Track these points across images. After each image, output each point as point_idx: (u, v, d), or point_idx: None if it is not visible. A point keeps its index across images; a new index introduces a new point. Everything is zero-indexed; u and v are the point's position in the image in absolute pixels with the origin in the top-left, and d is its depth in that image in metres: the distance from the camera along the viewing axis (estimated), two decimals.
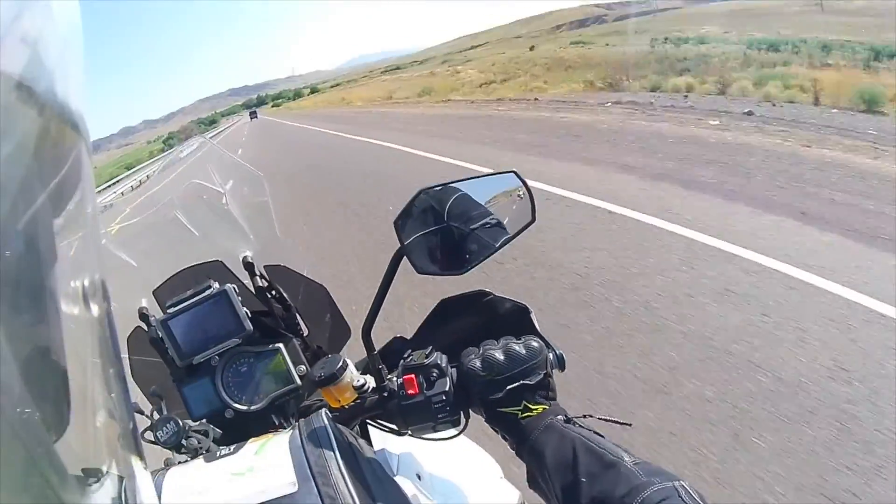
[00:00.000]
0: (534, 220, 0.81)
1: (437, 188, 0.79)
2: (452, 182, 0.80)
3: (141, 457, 0.46)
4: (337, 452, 0.64)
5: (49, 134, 0.33)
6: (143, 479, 0.45)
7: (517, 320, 0.84)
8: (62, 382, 0.33)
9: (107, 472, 0.39)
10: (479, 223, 0.80)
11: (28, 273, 0.30)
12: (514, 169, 0.81)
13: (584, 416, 0.72)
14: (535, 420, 0.71)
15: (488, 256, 0.79)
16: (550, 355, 0.77)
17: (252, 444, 0.70)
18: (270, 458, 0.65)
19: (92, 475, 0.37)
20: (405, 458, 0.89)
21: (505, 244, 0.80)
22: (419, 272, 0.78)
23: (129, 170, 35.34)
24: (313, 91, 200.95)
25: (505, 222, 0.81)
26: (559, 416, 0.71)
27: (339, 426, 0.72)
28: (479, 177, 0.82)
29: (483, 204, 0.81)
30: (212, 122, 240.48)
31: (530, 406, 0.72)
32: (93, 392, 0.39)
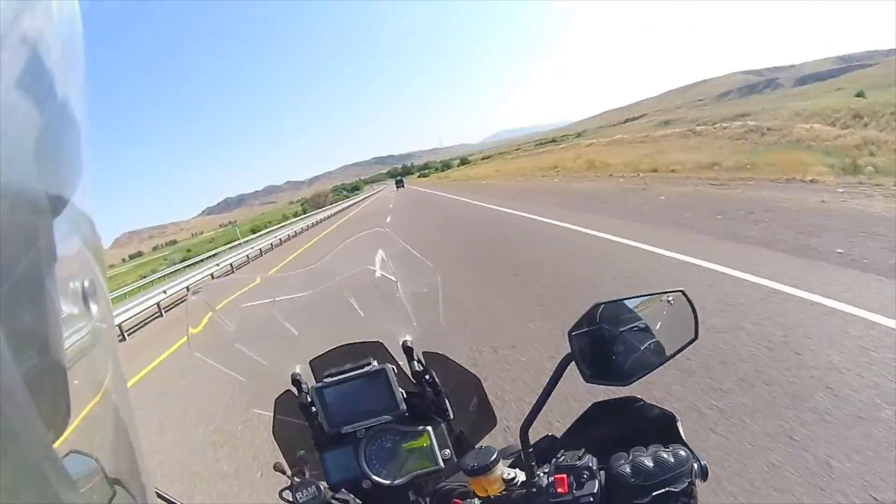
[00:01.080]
0: (696, 337, 0.84)
1: (611, 302, 0.83)
2: (625, 298, 0.84)
3: (141, 457, 0.47)
4: None
5: (49, 134, 0.33)
6: (142, 477, 0.46)
7: (665, 427, 0.85)
8: (62, 382, 0.34)
9: (107, 471, 0.40)
10: (644, 337, 0.83)
11: (28, 273, 0.30)
12: (683, 289, 0.85)
13: None
14: None
15: (650, 370, 0.82)
16: (695, 465, 0.78)
17: None
18: None
19: (91, 474, 0.38)
20: None
21: (667, 360, 0.83)
22: (586, 380, 0.82)
23: (253, 233, 33.29)
24: (463, 162, 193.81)
25: (670, 338, 0.85)
26: None
27: None
28: (649, 294, 0.86)
29: (650, 319, 0.85)
30: (354, 189, 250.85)
31: None
32: (93, 393, 0.40)
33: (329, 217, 48.07)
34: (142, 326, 13.65)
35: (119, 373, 0.45)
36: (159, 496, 0.93)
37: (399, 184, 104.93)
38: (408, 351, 1.02)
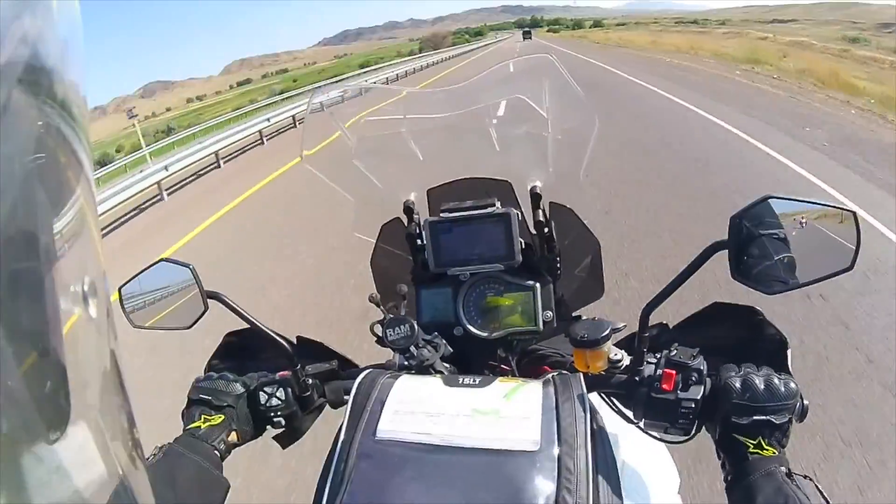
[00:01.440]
0: (851, 267, 0.78)
1: (784, 198, 0.76)
2: (800, 199, 0.77)
3: (141, 457, 0.46)
4: (588, 426, 0.63)
5: (49, 134, 0.33)
6: (141, 477, 0.45)
7: (774, 350, 0.82)
8: (62, 382, 0.33)
9: (106, 471, 0.39)
10: (804, 247, 0.77)
11: (28, 273, 0.30)
12: (855, 210, 0.79)
13: (805, 477, 0.69)
14: (761, 461, 0.71)
15: (797, 287, 0.77)
16: (799, 404, 0.75)
17: (501, 385, 0.69)
18: (520, 409, 0.64)
19: (91, 475, 0.37)
20: (612, 440, 0.87)
21: (814, 282, 0.77)
22: (733, 276, 0.75)
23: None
24: (596, 24, 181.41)
25: (827, 258, 0.78)
26: (783, 468, 0.70)
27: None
28: (823, 204, 0.78)
29: (816, 231, 0.78)
30: (477, 34, 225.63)
31: (764, 444, 0.72)
32: (93, 392, 0.39)
33: (444, 60, 42.98)
34: (239, 153, 14.32)
35: (119, 372, 0.44)
36: (301, 339, 0.94)
37: (527, 35, 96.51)
38: (535, 198, 0.96)
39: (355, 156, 1.00)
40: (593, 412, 0.67)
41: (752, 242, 0.75)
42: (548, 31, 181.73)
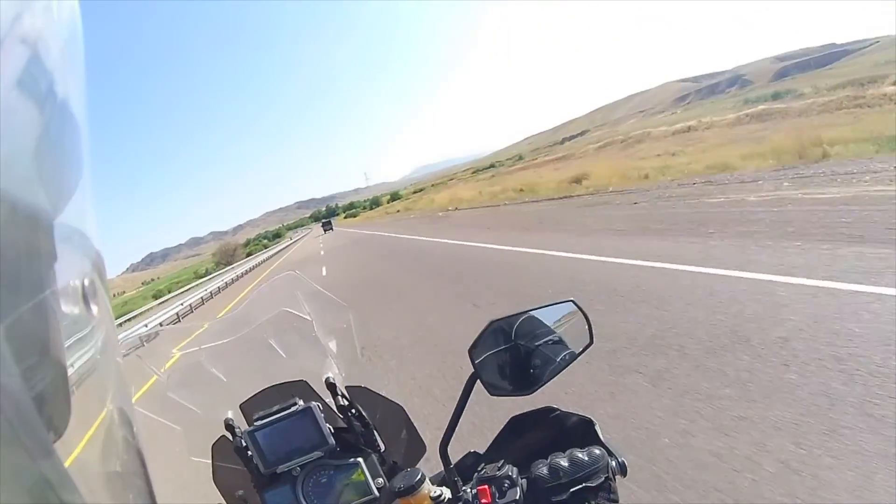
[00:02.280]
0: (591, 342, 0.91)
1: (506, 317, 0.88)
2: (520, 312, 0.90)
3: (141, 456, 0.47)
4: None
5: (49, 134, 0.33)
6: (141, 477, 0.46)
7: (584, 432, 0.90)
8: (62, 382, 0.34)
9: (106, 471, 0.40)
10: (543, 341, 0.89)
11: (28, 273, 0.31)
12: (573, 298, 0.91)
13: None
14: None
15: (554, 375, 0.88)
16: (613, 462, 0.83)
17: None
18: None
19: (91, 475, 0.37)
20: None
21: (569, 363, 0.89)
22: (491, 393, 0.86)
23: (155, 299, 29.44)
24: (394, 197, 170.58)
25: (567, 345, 0.91)
26: None
27: None
28: (542, 307, 0.91)
29: (548, 326, 0.91)
30: (276, 236, 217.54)
31: None
32: (93, 393, 0.40)
33: (236, 280, 35.25)
34: None
35: (120, 371, 0.45)
36: None
37: (327, 226, 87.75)
38: (331, 387, 1.05)
39: (169, 389, 1.07)
40: None
41: (499, 357, 0.87)
42: (345, 217, 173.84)
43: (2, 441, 0.26)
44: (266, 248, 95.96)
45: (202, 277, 40.55)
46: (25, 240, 0.30)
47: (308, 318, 1.12)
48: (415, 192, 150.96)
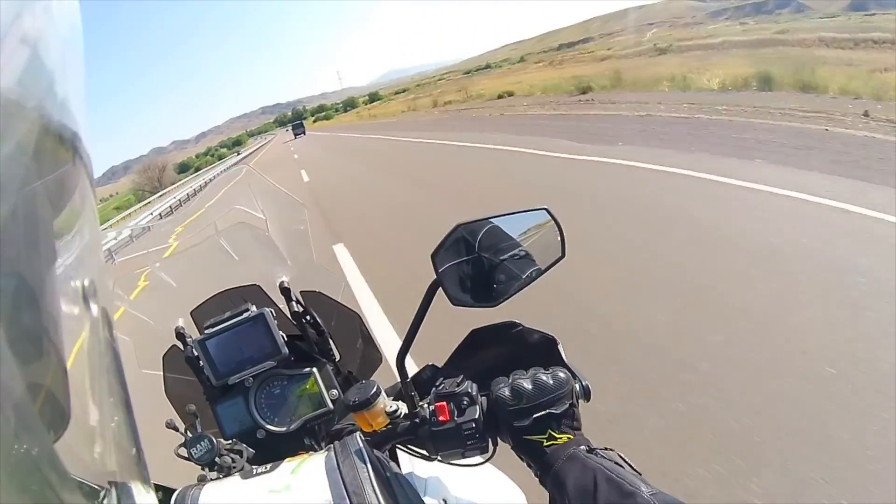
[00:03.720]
0: (563, 255, 0.84)
1: (472, 222, 0.81)
2: (487, 217, 0.82)
3: (141, 456, 0.46)
4: (371, 474, 0.66)
5: (49, 134, 0.34)
6: (141, 476, 0.45)
7: (546, 351, 0.87)
8: (62, 383, 0.34)
9: (106, 472, 0.40)
10: (510, 255, 0.83)
11: (28, 273, 0.30)
12: (546, 206, 0.85)
13: (606, 449, 0.72)
14: (559, 449, 0.73)
15: (520, 289, 0.82)
16: (577, 386, 0.79)
17: (289, 464, 0.72)
18: (307, 478, 0.68)
19: (91, 476, 0.37)
20: (432, 483, 0.93)
21: (535, 278, 0.82)
22: (453, 303, 0.80)
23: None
24: (373, 98, 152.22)
25: (536, 256, 0.84)
26: (582, 447, 0.72)
27: (375, 451, 0.74)
28: (512, 213, 0.85)
29: (515, 238, 0.84)
30: (236, 144, 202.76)
31: (555, 435, 0.74)
32: (93, 393, 0.39)
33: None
34: None
35: (120, 372, 0.44)
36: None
37: (297, 129, 73.00)
38: (285, 292, 1.01)
39: (116, 298, 1.01)
40: (381, 462, 0.72)
41: (462, 268, 0.81)
42: (314, 121, 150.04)
43: (2, 441, 0.26)
44: (222, 158, 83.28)
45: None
46: (25, 240, 0.30)
47: (262, 216, 1.07)
48: (396, 94, 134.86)
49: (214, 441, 0.88)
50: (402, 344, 0.85)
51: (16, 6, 0.30)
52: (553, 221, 0.85)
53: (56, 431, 0.32)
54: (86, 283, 0.39)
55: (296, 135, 67.07)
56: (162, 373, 1.05)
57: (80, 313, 0.38)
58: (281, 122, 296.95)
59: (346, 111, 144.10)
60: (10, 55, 0.29)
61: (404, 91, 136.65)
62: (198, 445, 0.88)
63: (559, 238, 0.84)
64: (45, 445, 0.30)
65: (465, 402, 0.80)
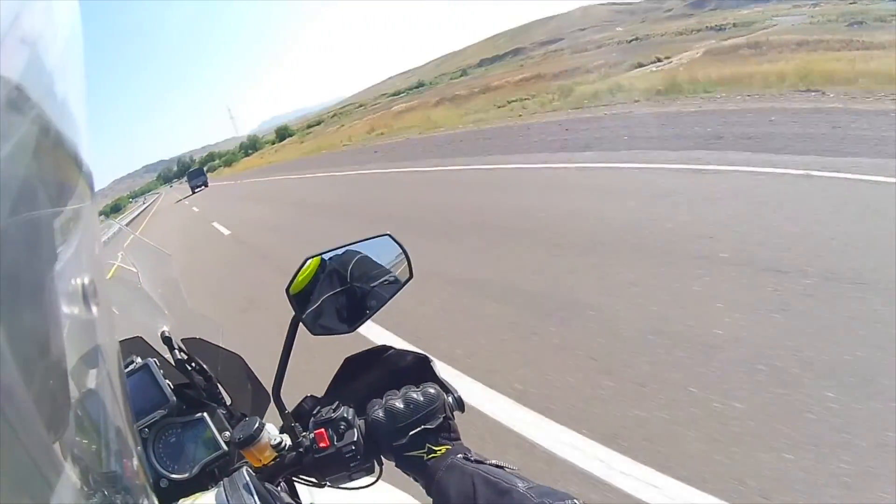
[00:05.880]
0: (411, 276, 0.92)
1: (321, 253, 0.88)
2: (335, 248, 0.89)
3: (141, 456, 0.47)
4: None
5: (49, 134, 0.33)
6: (141, 476, 0.46)
7: (420, 369, 0.90)
8: (62, 383, 0.34)
9: (106, 470, 0.40)
10: (363, 279, 0.90)
11: (28, 273, 0.30)
12: (388, 232, 0.91)
13: (484, 460, 0.75)
14: (439, 460, 0.77)
15: (375, 312, 0.90)
16: (450, 398, 0.83)
17: (183, 502, 0.73)
18: None
19: (91, 476, 0.37)
20: None
21: (388, 299, 0.90)
22: (313, 333, 0.87)
23: None
24: (282, 136, 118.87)
25: (382, 281, 0.91)
26: (460, 455, 0.76)
27: (265, 483, 0.75)
28: (355, 242, 0.91)
29: (370, 263, 0.92)
30: (114, 210, 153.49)
31: (434, 448, 0.78)
32: (93, 393, 0.40)
33: None
34: None
35: (120, 372, 0.44)
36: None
37: (195, 178, 52.33)
38: (167, 341, 1.02)
39: None
40: (271, 494, 0.74)
41: (316, 301, 0.87)
42: (208, 171, 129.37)
43: (2, 441, 0.26)
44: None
45: None
46: (25, 240, 0.30)
47: (134, 269, 1.08)
48: (308, 128, 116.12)
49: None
50: (275, 379, 0.89)
51: (16, 6, 0.30)
52: (398, 246, 0.92)
53: (56, 431, 0.32)
54: (86, 282, 0.39)
55: (194, 188, 49.58)
56: None
57: (80, 313, 0.38)
58: (166, 178, 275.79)
59: (247, 154, 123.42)
60: (10, 55, 0.29)
61: (318, 123, 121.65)
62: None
63: (406, 261, 0.92)
64: (45, 445, 0.30)
65: (342, 427, 0.83)
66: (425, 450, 0.78)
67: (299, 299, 0.87)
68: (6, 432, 0.26)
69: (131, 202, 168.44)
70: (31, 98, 0.31)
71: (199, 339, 1.07)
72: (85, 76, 0.41)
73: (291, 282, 0.86)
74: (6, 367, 0.26)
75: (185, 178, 63.36)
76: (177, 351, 1.02)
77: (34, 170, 0.31)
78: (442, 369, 0.89)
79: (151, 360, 0.98)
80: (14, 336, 0.27)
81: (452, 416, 0.82)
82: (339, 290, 0.88)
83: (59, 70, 0.35)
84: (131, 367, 0.97)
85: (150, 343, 1.03)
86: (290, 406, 0.90)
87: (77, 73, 0.39)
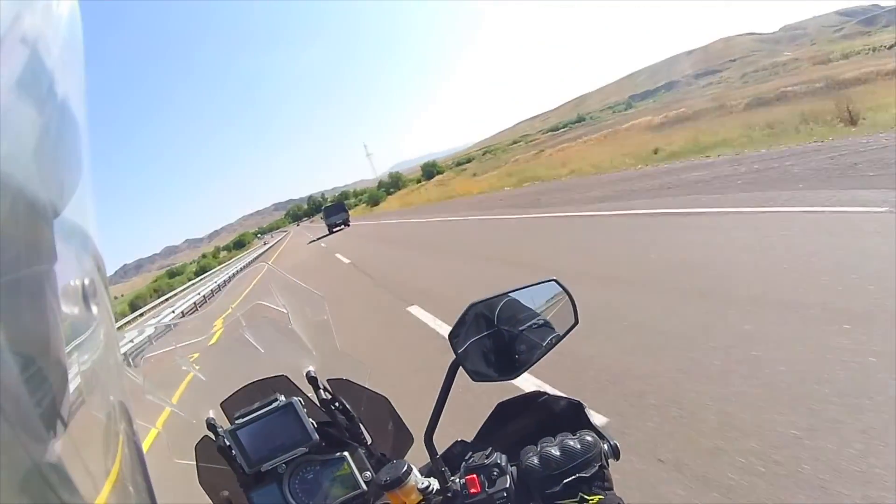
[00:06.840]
0: (577, 322, 0.89)
1: (486, 299, 0.86)
2: (500, 294, 0.87)
3: (141, 455, 0.46)
4: None
5: (49, 134, 0.33)
6: (141, 476, 0.45)
7: (573, 416, 0.88)
8: (62, 382, 0.33)
9: (106, 470, 0.39)
10: (528, 325, 0.87)
11: (28, 273, 0.30)
12: (555, 277, 0.89)
13: None
14: None
15: (540, 357, 0.85)
16: (605, 446, 0.79)
17: None
18: None
19: (91, 474, 0.37)
20: None
21: (553, 346, 0.87)
22: (475, 380, 0.84)
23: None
24: (434, 173, 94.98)
25: (554, 324, 0.88)
26: None
27: None
28: (522, 287, 0.88)
29: (533, 309, 0.88)
30: (237, 246, 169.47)
31: (586, 497, 0.75)
32: (93, 393, 0.39)
33: None
34: None
35: (120, 371, 0.45)
36: None
37: (334, 215, 43.00)
38: (312, 381, 1.02)
39: (147, 392, 1.02)
40: None
41: (483, 343, 0.85)
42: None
43: (2, 441, 0.26)
44: (204, 271, 53.45)
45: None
46: (25, 240, 0.30)
47: (283, 310, 1.09)
48: (460, 164, 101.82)
49: None
50: (429, 423, 0.87)
51: (16, 6, 0.30)
52: (564, 291, 0.89)
53: (56, 431, 0.32)
54: (86, 282, 0.38)
55: (332, 226, 40.18)
56: (195, 462, 1.05)
57: (80, 313, 0.38)
58: (294, 217, 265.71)
59: (388, 193, 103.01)
60: (10, 55, 0.29)
61: (469, 161, 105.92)
62: None
63: (571, 305, 0.89)
64: (45, 445, 0.30)
65: (495, 473, 0.81)
66: (577, 499, 0.76)
67: (459, 344, 0.85)
68: (6, 432, 0.26)
69: (257, 238, 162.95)
70: (31, 98, 0.31)
71: (345, 379, 1.07)
72: (85, 76, 0.41)
73: (455, 326, 0.85)
74: (6, 367, 0.26)
75: (321, 215, 56.63)
76: (322, 391, 1.02)
77: (34, 170, 0.31)
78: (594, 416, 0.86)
79: (296, 398, 0.97)
80: (14, 336, 0.27)
81: (607, 464, 0.80)
82: (485, 334, 0.86)
83: (59, 70, 0.35)
84: (275, 404, 0.97)
85: (295, 382, 1.03)
86: (439, 450, 0.88)
87: (77, 72, 0.39)
